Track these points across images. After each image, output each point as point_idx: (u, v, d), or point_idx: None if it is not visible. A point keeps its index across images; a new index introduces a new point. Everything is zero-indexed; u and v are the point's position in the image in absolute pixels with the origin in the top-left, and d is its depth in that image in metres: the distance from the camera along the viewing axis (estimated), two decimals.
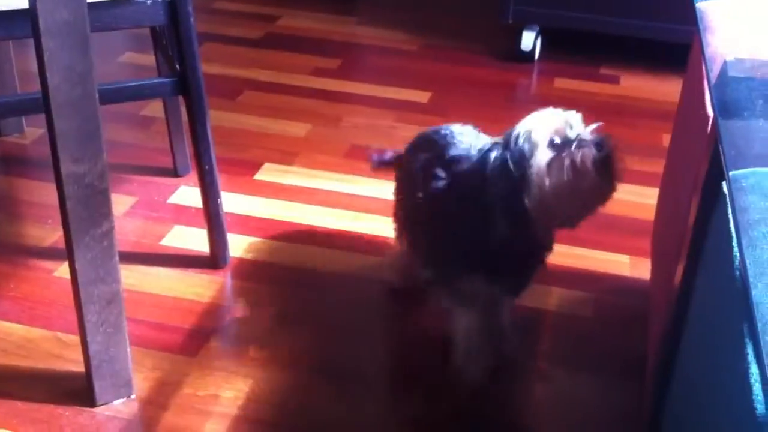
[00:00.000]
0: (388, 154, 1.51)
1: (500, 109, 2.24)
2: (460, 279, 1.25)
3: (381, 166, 1.53)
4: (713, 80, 0.93)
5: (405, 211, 1.39)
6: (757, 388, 0.69)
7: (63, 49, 1.04)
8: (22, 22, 1.19)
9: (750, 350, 0.72)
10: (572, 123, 1.15)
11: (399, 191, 1.42)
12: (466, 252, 1.22)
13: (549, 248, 1.25)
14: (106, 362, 1.25)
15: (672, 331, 1.11)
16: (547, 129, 1.14)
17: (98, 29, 1.22)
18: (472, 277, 1.23)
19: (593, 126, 1.17)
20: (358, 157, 1.92)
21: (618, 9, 2.40)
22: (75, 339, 1.31)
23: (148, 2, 1.36)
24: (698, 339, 0.99)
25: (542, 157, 1.12)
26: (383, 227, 1.67)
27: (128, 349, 1.27)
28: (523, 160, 1.13)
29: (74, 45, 1.05)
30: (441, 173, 1.24)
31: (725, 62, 0.96)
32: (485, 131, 1.34)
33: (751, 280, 0.65)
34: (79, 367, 1.30)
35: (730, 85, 0.91)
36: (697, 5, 1.14)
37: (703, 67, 1.00)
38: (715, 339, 0.88)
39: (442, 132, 1.33)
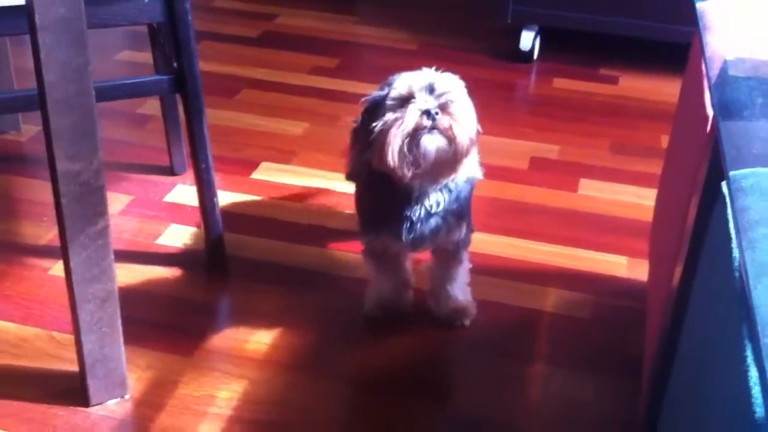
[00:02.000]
0: None
1: (499, 109, 2.23)
2: (367, 237, 1.40)
3: None
4: (713, 80, 0.92)
5: None
6: (756, 391, 0.69)
7: (59, 45, 1.04)
8: (19, 18, 1.18)
9: (749, 352, 0.71)
10: (430, 85, 1.24)
11: None
12: (366, 213, 1.40)
13: (428, 206, 1.31)
14: (101, 362, 1.25)
15: (670, 333, 1.11)
16: (397, 91, 1.24)
17: (95, 26, 1.21)
18: (374, 235, 1.38)
19: (448, 90, 1.25)
20: None
21: (617, 9, 2.39)
22: (69, 338, 1.30)
23: None
24: (696, 341, 0.98)
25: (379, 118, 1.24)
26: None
27: (122, 349, 1.26)
28: (369, 120, 1.27)
29: (71, 41, 1.04)
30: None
31: (725, 62, 0.96)
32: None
33: (751, 281, 0.65)
34: (74, 367, 1.29)
35: (730, 84, 0.91)
36: (697, 5, 1.13)
37: (703, 67, 1.00)
38: (713, 341, 0.88)
39: None
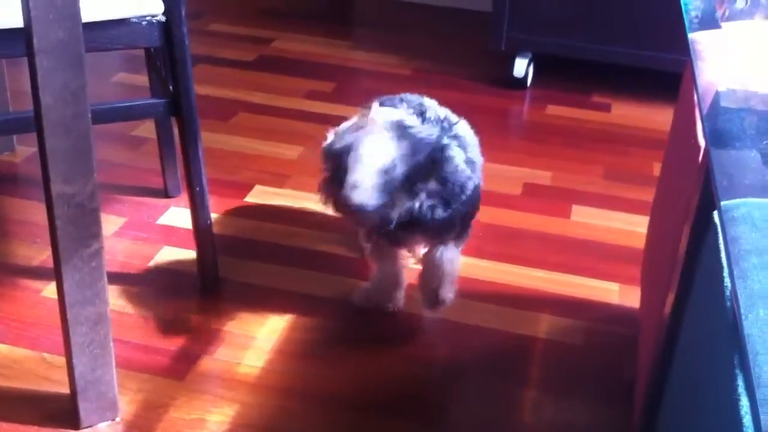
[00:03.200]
0: None
1: (492, 135, 2.24)
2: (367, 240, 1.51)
3: None
4: (705, 110, 0.93)
5: None
6: (747, 420, 0.69)
7: (57, 68, 1.04)
8: (17, 40, 1.18)
9: (740, 382, 0.72)
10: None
11: None
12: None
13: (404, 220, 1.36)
14: (92, 384, 1.24)
15: (661, 360, 1.11)
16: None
17: (93, 49, 1.22)
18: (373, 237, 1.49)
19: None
20: None
21: (610, 37, 2.41)
22: (61, 360, 1.30)
23: (143, 23, 1.36)
24: (688, 368, 0.99)
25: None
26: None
27: (114, 371, 1.25)
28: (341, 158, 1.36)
29: (68, 64, 1.05)
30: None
31: (717, 92, 0.97)
32: None
33: (742, 311, 0.65)
34: (65, 389, 1.29)
35: (722, 115, 0.92)
36: (690, 35, 1.15)
37: (695, 97, 1.01)
38: (705, 369, 0.88)
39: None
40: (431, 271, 1.49)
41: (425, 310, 1.54)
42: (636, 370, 1.36)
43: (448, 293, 1.50)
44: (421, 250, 1.53)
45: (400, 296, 1.56)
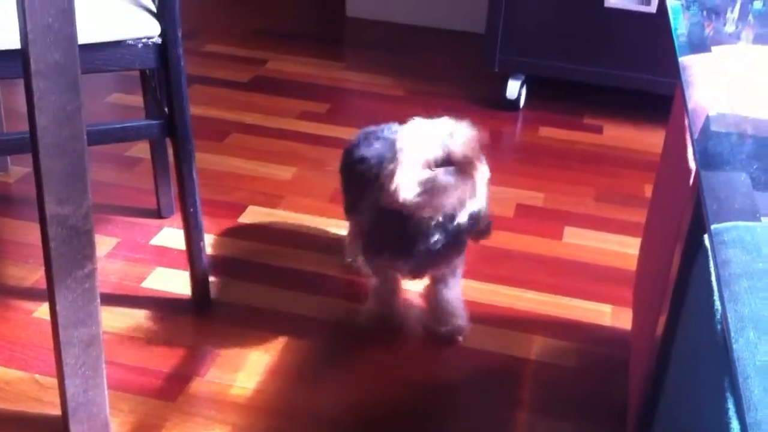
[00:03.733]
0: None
1: (485, 156, 2.25)
2: (374, 257, 1.50)
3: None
4: (695, 134, 0.94)
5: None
6: None
7: (53, 90, 1.05)
8: (12, 61, 1.19)
9: (731, 405, 0.72)
10: (440, 144, 1.32)
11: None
12: (375, 238, 1.46)
13: (435, 242, 1.40)
14: (84, 405, 1.23)
15: (653, 382, 1.11)
16: (412, 150, 1.31)
17: (89, 71, 1.22)
18: (379, 256, 1.48)
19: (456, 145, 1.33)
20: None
21: (602, 60, 2.44)
22: (53, 381, 1.29)
23: (140, 45, 1.37)
24: (679, 391, 0.99)
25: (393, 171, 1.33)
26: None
27: (106, 393, 1.25)
28: (383, 169, 1.37)
29: (65, 86, 1.05)
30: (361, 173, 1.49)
31: (708, 117, 0.98)
32: None
33: (732, 334, 0.66)
34: (56, 410, 1.28)
35: (712, 139, 0.93)
36: (680, 59, 1.16)
37: (686, 121, 1.02)
38: (697, 392, 0.88)
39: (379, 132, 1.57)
40: (443, 309, 1.55)
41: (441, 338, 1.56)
42: (628, 391, 1.36)
43: (464, 322, 1.56)
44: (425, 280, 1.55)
45: (400, 305, 1.59)
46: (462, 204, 1.35)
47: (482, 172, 1.36)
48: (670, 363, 1.07)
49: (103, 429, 1.27)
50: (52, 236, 1.11)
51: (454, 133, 1.33)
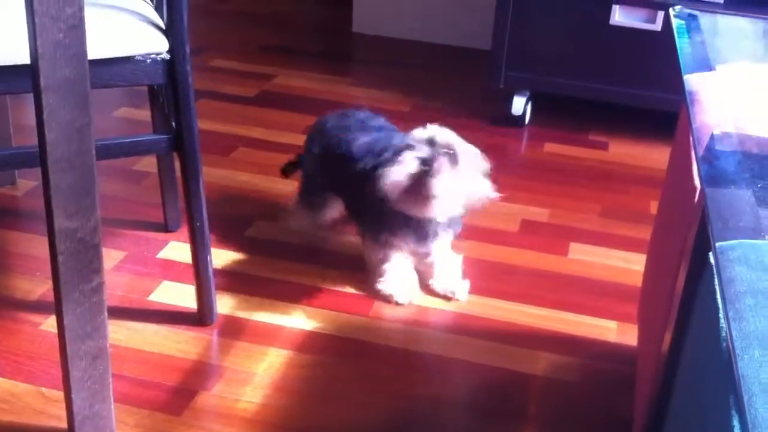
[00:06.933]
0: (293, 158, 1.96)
1: (490, 172, 2.26)
2: (382, 234, 1.69)
3: (291, 171, 1.96)
4: (700, 152, 0.95)
5: (338, 183, 1.79)
6: None
7: (63, 105, 1.06)
8: (23, 77, 1.20)
9: (736, 423, 0.72)
10: (430, 138, 1.57)
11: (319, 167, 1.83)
12: (382, 219, 1.65)
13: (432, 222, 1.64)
14: (90, 419, 1.24)
15: (659, 399, 1.11)
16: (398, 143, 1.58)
17: (98, 86, 1.24)
18: (388, 234, 1.68)
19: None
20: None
21: (607, 77, 2.44)
22: (59, 394, 1.29)
23: (148, 61, 1.38)
24: (685, 408, 0.99)
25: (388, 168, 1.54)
26: (373, 287, 1.68)
27: (112, 406, 1.25)
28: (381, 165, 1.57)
29: (74, 102, 1.06)
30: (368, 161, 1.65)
31: (712, 135, 0.98)
32: None
33: (737, 352, 0.66)
34: (62, 423, 1.28)
35: (717, 158, 0.93)
36: (685, 77, 1.17)
37: (691, 139, 1.02)
38: (702, 409, 0.88)
39: (356, 116, 1.84)
40: (441, 267, 1.73)
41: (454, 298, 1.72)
42: (633, 408, 1.36)
43: (461, 281, 1.73)
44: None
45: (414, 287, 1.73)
46: (455, 196, 1.54)
47: (470, 155, 1.58)
48: (675, 380, 1.07)
49: None
50: (60, 250, 1.12)
51: (438, 133, 1.56)
